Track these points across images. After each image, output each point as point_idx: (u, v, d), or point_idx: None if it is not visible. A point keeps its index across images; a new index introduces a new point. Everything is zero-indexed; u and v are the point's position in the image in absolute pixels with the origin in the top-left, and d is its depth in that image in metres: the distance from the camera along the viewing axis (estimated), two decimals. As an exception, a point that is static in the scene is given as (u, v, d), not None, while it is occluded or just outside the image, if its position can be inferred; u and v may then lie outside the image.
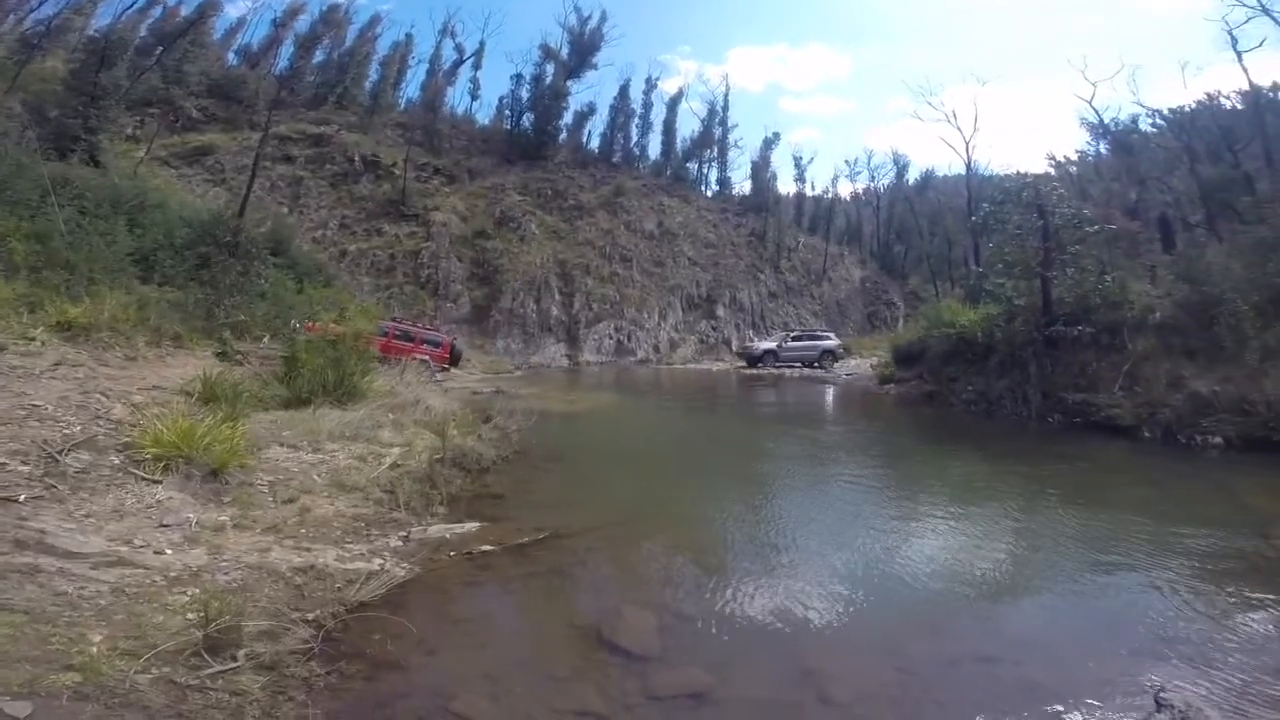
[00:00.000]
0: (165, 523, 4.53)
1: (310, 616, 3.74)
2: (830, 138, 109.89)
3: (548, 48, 44.53)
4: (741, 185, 50.91)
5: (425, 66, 45.00)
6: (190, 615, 3.32)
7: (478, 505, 6.64)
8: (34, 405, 6.07)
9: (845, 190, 56.82)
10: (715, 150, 50.12)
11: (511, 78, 45.38)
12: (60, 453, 4.99)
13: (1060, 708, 3.29)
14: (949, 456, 10.56)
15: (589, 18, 45.13)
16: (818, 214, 52.84)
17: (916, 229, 51.29)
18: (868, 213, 55.24)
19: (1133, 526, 6.27)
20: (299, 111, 35.28)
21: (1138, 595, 4.82)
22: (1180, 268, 16.23)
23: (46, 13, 28.09)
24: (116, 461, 5.16)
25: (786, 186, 54.25)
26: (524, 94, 43.78)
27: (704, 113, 50.16)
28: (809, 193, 54.30)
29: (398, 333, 18.05)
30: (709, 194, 49.17)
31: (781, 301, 40.56)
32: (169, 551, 4.09)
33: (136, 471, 5.03)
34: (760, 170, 49.51)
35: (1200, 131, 33.62)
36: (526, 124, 43.26)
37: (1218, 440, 10.55)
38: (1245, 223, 18.93)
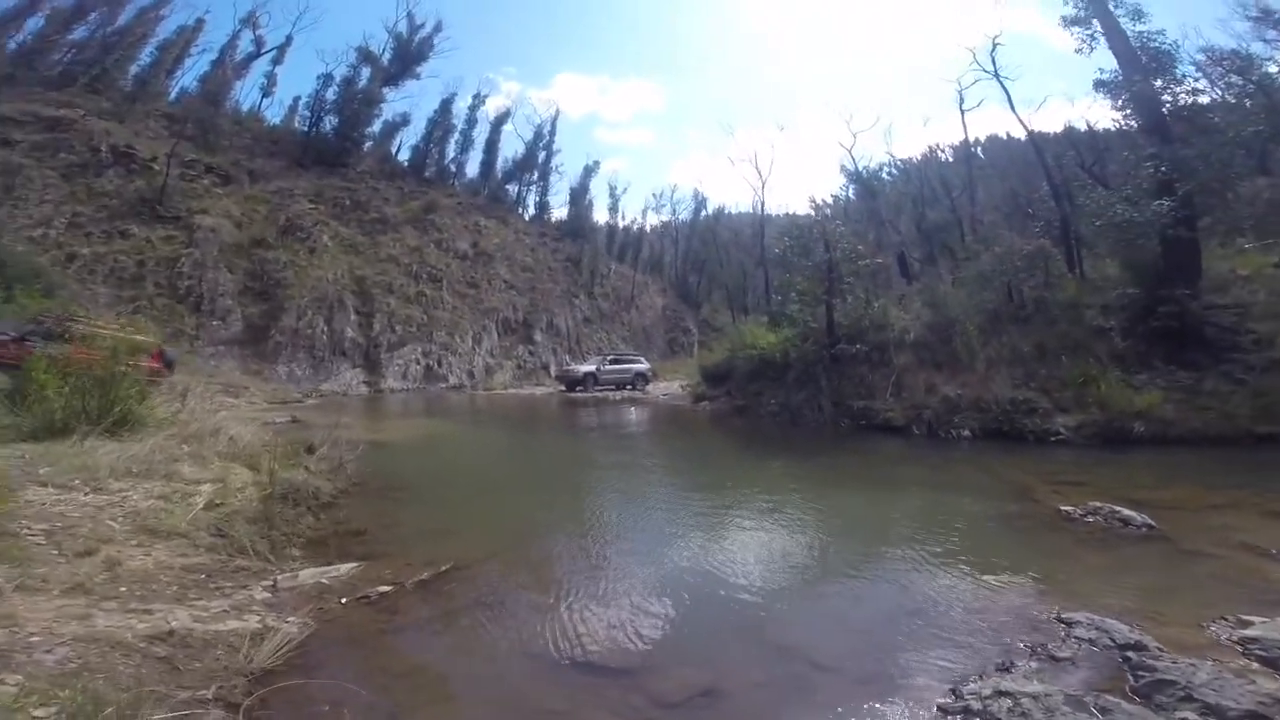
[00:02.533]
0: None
1: (206, 694, 2.95)
2: (639, 168, 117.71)
3: (367, 50, 41.71)
4: (559, 211, 51.77)
5: (212, 57, 39.21)
6: (38, 713, 2.43)
7: (340, 543, 5.72)
8: None
9: (651, 221, 60.59)
10: (537, 174, 50.49)
11: (319, 77, 41.88)
12: None
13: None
14: (766, 458, 11.76)
15: (421, 25, 43.33)
16: (627, 243, 55.52)
17: (715, 260, 56.31)
18: (668, 244, 59.35)
19: (924, 498, 7.92)
20: (33, 90, 28.00)
21: (950, 544, 5.80)
22: (925, 296, 19.98)
23: None
24: None
25: (601, 215, 56.50)
26: (329, 95, 40.25)
27: (529, 135, 50.48)
28: (620, 222, 56.90)
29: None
30: (527, 217, 49.03)
31: (595, 327, 41.54)
32: None
33: None
34: (579, 197, 50.93)
35: (924, 179, 42.12)
36: (328, 127, 39.62)
37: (966, 433, 13.08)
38: (961, 259, 23.96)
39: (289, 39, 42.92)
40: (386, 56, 42.46)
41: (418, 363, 29.53)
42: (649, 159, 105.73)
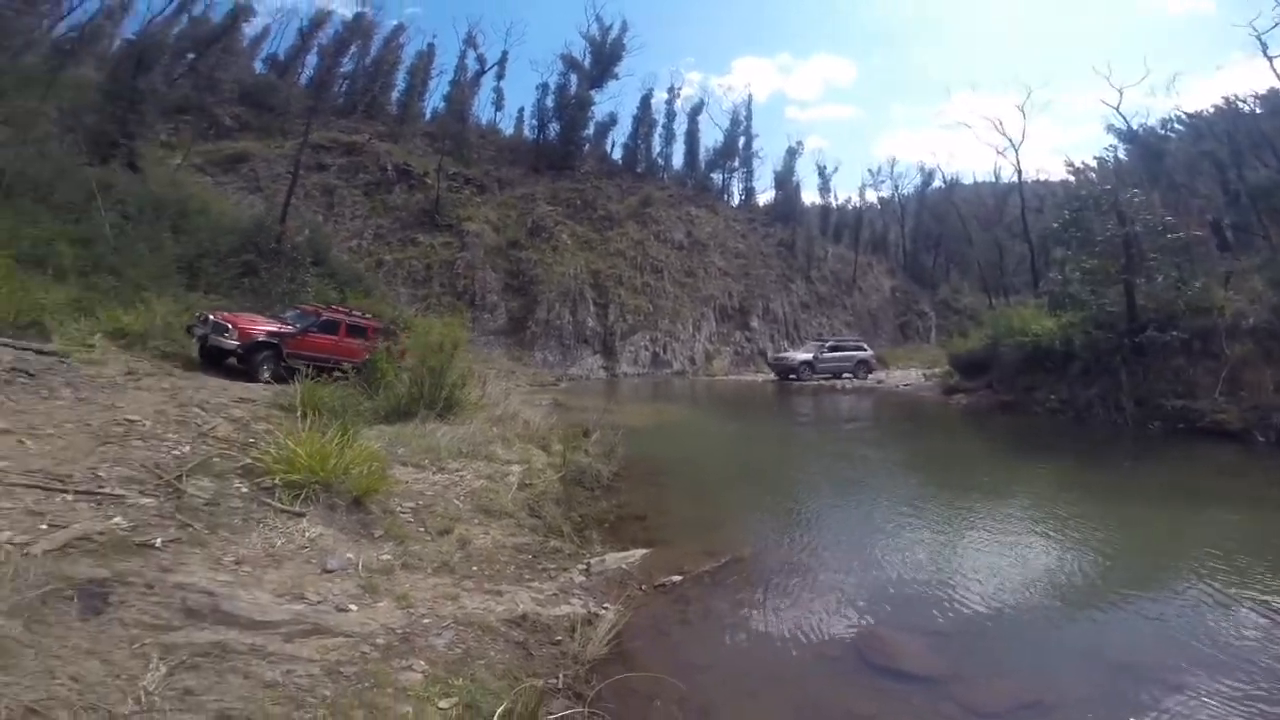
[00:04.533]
0: (328, 567, 3.81)
1: (556, 683, 3.17)
2: (842, 146, 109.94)
3: (570, 57, 44.44)
4: (765, 196, 50.66)
5: (448, 76, 44.74)
6: (443, 704, 2.69)
7: (626, 528, 6.05)
8: (129, 420, 5.40)
9: (869, 199, 56.12)
10: (738, 160, 49.86)
11: (537, 87, 45.41)
12: (178, 479, 4.28)
13: None
14: (1047, 463, 10.17)
15: (610, 27, 45.06)
16: (842, 223, 52.28)
17: (953, 236, 50.50)
18: (892, 221, 54.54)
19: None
20: (330, 120, 34.92)
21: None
22: (1270, 273, 15.64)
23: (77, 20, 27.86)
24: (244, 490, 4.43)
25: (810, 196, 53.95)
26: (548, 103, 43.63)
27: (726, 123, 49.90)
28: (833, 203, 53.82)
29: (351, 325, 12.54)
30: (734, 204, 48.82)
31: (814, 312, 39.80)
32: (353, 608, 3.38)
33: (271, 502, 4.31)
34: (785, 180, 49.15)
35: (1228, 136, 32.94)
36: (552, 133, 42.97)
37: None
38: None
39: (504, 54, 46.80)
40: (587, 61, 44.63)
41: (646, 349, 30.94)
42: (850, 135, 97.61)
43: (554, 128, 42.94)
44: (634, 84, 58.33)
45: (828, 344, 26.94)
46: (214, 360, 10.80)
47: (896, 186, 54.38)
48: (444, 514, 5.08)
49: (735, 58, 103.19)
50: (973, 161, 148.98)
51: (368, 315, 13.65)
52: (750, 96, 62.59)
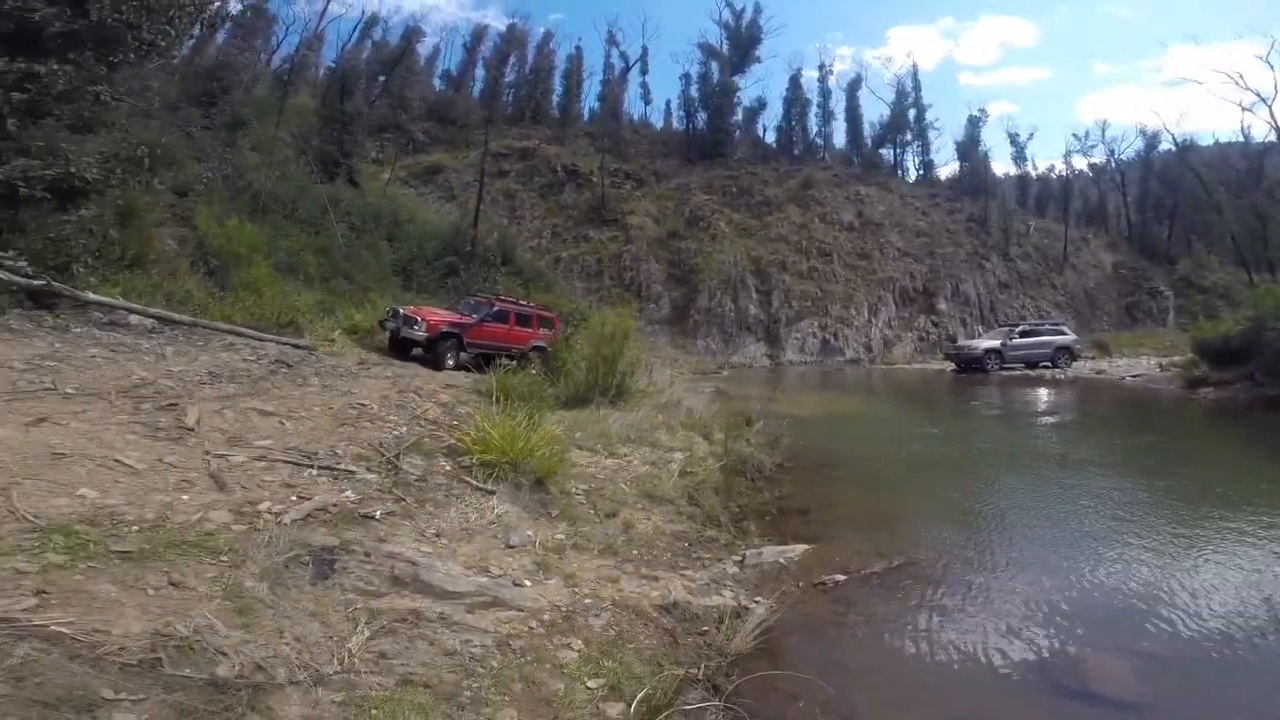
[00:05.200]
0: (510, 543, 4.18)
1: (696, 673, 3.16)
2: (1030, 111, 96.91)
3: (708, 46, 44.37)
4: (947, 169, 46.33)
5: (598, 76, 47.00)
6: (590, 684, 2.84)
7: (787, 521, 5.90)
8: (361, 404, 6.33)
9: (1078, 166, 48.43)
10: (910, 134, 46.39)
11: (680, 78, 46.66)
12: (396, 457, 4.92)
13: None
14: None
15: (742, 11, 44.33)
16: (1045, 194, 45.97)
17: (1192, 204, 42.03)
18: (1110, 190, 46.72)
19: None
20: (504, 128, 38.03)
21: None
22: None
23: (285, 52, 33.11)
24: (447, 467, 5.00)
25: (1002, 167, 48.22)
26: (693, 93, 43.92)
27: (891, 96, 46.68)
28: (1032, 172, 47.45)
29: (519, 314, 13.46)
30: (911, 180, 45.17)
31: (1015, 292, 35.47)
32: (527, 583, 3.68)
33: (469, 480, 4.82)
34: (969, 151, 44.40)
35: None
36: (700, 123, 43.13)
37: None
38: None
39: (644, 49, 47.89)
40: (725, 48, 44.21)
41: (814, 336, 29.84)
42: (1043, 98, 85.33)
43: (701, 117, 43.22)
44: (779, 65, 57.22)
45: (1018, 329, 23.33)
46: (402, 350, 11.84)
47: (1112, 151, 46.41)
48: (612, 497, 5.34)
49: (889, 28, 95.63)
50: (1210, 120, 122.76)
51: (533, 304, 14.67)
52: (915, 66, 57.11)
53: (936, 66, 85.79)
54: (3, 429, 3.72)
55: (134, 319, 8.32)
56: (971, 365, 22.04)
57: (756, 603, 4.03)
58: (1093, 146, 47.49)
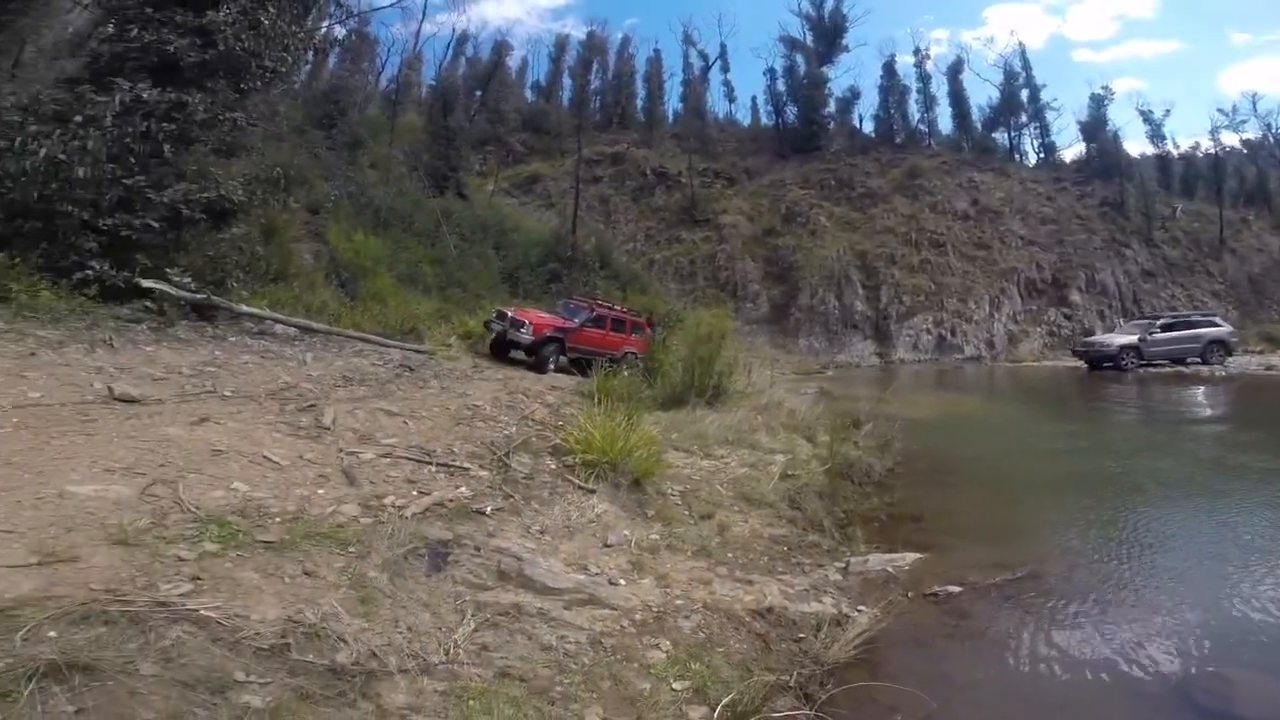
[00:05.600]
0: (608, 542, 4.27)
1: (787, 680, 3.06)
2: (1162, 87, 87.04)
3: (791, 39, 43.15)
4: (1071, 151, 42.82)
5: (679, 78, 46.90)
6: (676, 686, 2.82)
7: (898, 528, 5.61)
8: (475, 405, 6.68)
9: (1228, 142, 42.34)
10: (1025, 116, 42.94)
11: (764, 73, 45.09)
12: (506, 455, 5.13)
13: None
14: None
15: (822, 2, 42.83)
16: (1192, 173, 40.78)
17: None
18: (1270, 167, 40.70)
19: None
20: (594, 134, 38.77)
21: None
22: None
23: (389, 73, 35.44)
24: (552, 466, 5.18)
25: (1135, 146, 43.80)
26: (780, 87, 42.86)
27: (998, 77, 43.39)
28: (1173, 151, 42.22)
29: (615, 319, 13.49)
30: (1030, 164, 41.76)
31: (1163, 281, 31.67)
32: (622, 583, 3.74)
33: (571, 479, 4.96)
34: (1095, 131, 40.24)
35: None
36: (791, 117, 42.05)
37: None
38: None
39: (723, 47, 47.09)
40: (808, 39, 42.83)
41: (928, 332, 28.03)
42: (1177, 72, 75.88)
43: (791, 111, 41.95)
44: (869, 54, 54.97)
45: (1160, 321, 20.65)
46: (502, 353, 12.11)
47: (1269, 125, 40.34)
48: (707, 499, 5.31)
49: (985, 8, 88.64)
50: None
51: (627, 309, 14.79)
52: (1021, 46, 52.89)
53: (1045, 45, 79.40)
54: (173, 427, 4.26)
55: (279, 328, 9.29)
56: (1104, 363, 19.76)
57: (859, 611, 3.86)
58: (1243, 121, 41.26)
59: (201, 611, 2.31)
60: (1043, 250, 31.70)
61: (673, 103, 47.50)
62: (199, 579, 2.54)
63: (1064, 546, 5.11)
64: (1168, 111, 43.05)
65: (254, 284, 10.25)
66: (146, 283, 7.87)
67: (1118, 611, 3.92)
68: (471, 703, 2.36)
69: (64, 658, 1.83)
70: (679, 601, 3.63)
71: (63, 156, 7.39)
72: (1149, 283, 31.39)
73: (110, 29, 9.43)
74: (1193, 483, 7.03)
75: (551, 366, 11.66)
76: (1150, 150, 42.76)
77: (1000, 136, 43.28)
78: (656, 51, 48.00)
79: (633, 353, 12.65)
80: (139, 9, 8.90)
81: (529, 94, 47.34)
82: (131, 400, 4.82)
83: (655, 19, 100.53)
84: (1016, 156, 42.77)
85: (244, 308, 9.01)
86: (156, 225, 8.29)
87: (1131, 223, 33.99)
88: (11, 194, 7.34)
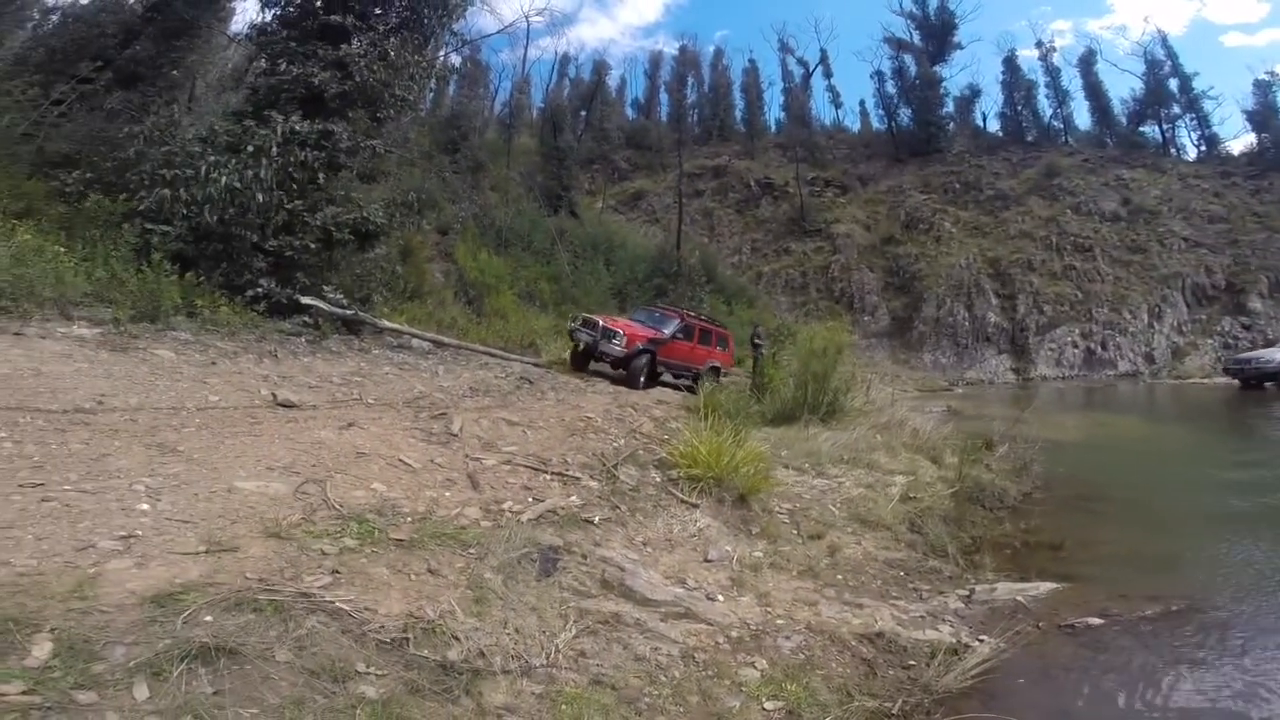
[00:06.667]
0: (709, 557, 4.23)
1: (890, 707, 2.90)
2: None
3: (897, 40, 41.46)
4: (1237, 142, 38.33)
5: (778, 86, 46.58)
6: (768, 705, 2.74)
7: (1032, 556, 5.14)
8: (587, 417, 6.88)
9: None
10: (1177, 106, 38.28)
11: (871, 76, 43.95)
12: (614, 467, 5.22)
13: None
14: None
15: (926, 0, 40.64)
16: None
17: None
18: None
19: None
20: (694, 149, 38.90)
21: None
22: None
23: (501, 98, 37.34)
24: (657, 479, 5.21)
25: None
26: (890, 90, 41.22)
27: (1139, 67, 39.41)
28: None
29: (701, 330, 12.64)
30: (1190, 158, 37.23)
31: (1372, 283, 26.72)
32: (720, 598, 3.69)
33: (675, 493, 4.97)
34: (1265, 119, 34.90)
35: None
36: (905, 119, 40.24)
37: None
38: None
39: (823, 52, 46.05)
40: (916, 38, 41.00)
41: (1075, 346, 25.32)
42: None
43: (905, 113, 40.20)
44: (985, 49, 50.72)
45: None
46: (583, 363, 11.32)
47: None
48: (818, 519, 5.12)
49: None
50: None
51: (715, 321, 13.98)
52: (1161, 32, 47.45)
53: (1188, 30, 73.00)
54: (324, 431, 4.73)
55: (415, 342, 10.12)
56: (1263, 381, 17.35)
57: (980, 641, 3.55)
58: None
59: (336, 604, 2.51)
60: (1212, 252, 27.78)
61: (774, 112, 47.37)
62: (338, 572, 2.78)
63: (1230, 579, 4.48)
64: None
65: (394, 301, 11.21)
66: (306, 300, 8.86)
67: (1262, 647, 3.41)
68: (564, 707, 2.42)
69: (215, 641, 2.05)
70: (779, 621, 3.55)
71: (239, 184, 8.41)
72: (1348, 285, 26.53)
73: (263, 64, 10.71)
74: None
75: (642, 380, 10.76)
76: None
77: (1150, 130, 38.96)
78: (751, 61, 48.59)
79: (717, 367, 12.03)
80: (285, 44, 10.03)
81: (630, 111, 48.75)
82: (291, 406, 5.43)
83: (747, 29, 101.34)
84: (1172, 151, 38.31)
85: (386, 323, 9.89)
86: (313, 246, 9.29)
87: (1320, 217, 29.02)
88: (198, 218, 8.39)
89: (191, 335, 7.10)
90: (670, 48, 59.97)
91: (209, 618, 2.21)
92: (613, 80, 48.77)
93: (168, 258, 7.87)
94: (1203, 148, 38.17)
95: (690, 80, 46.99)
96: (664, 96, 48.06)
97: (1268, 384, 17.33)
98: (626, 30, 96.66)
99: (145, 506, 3.03)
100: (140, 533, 2.77)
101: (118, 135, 9.80)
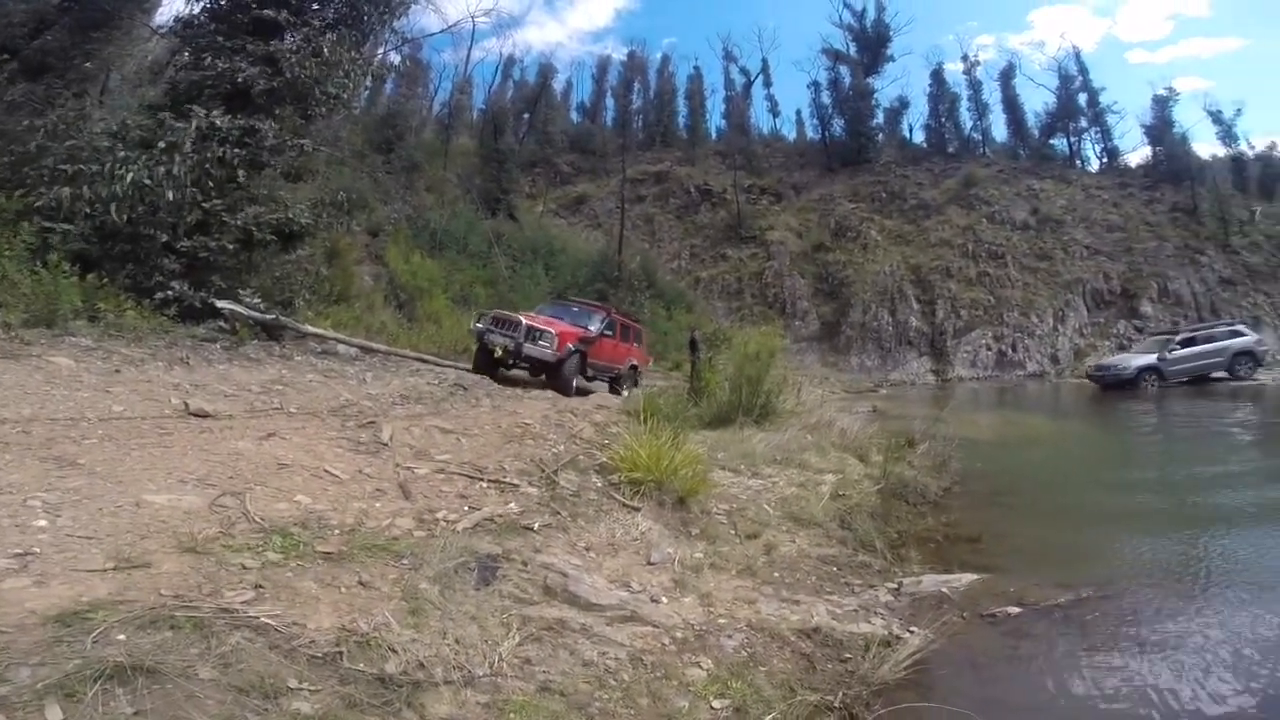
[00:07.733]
0: (652, 560, 4.25)
1: (832, 700, 2.99)
2: (1230, 86, 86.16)
3: (834, 51, 42.97)
4: (1136, 155, 40.90)
5: (720, 94, 47.35)
6: (715, 704, 2.80)
7: (954, 549, 5.41)
8: (525, 423, 6.79)
9: None
10: (1084, 120, 41.35)
11: (808, 86, 45.03)
12: (554, 473, 5.19)
13: None
14: None
15: (864, 12, 42.67)
16: (1270, 175, 38.27)
17: None
18: None
19: None
20: (637, 154, 39.28)
21: None
22: None
23: (440, 98, 36.76)
24: (599, 484, 5.19)
25: (1205, 148, 42.30)
26: (824, 100, 42.70)
27: (1053, 82, 42.34)
28: (1249, 151, 39.73)
29: (623, 325, 12.09)
30: (1092, 169, 40.36)
31: (1245, 289, 29.63)
32: (664, 600, 3.72)
33: (617, 497, 4.97)
34: (1161, 133, 38.21)
35: None
36: (838, 130, 41.69)
37: None
38: None
39: (764, 61, 47.25)
40: (852, 50, 42.59)
41: (988, 348, 27.00)
42: (1244, 70, 73.54)
43: (838, 123, 41.60)
44: (916, 62, 53.62)
45: (1178, 336, 19.11)
46: (491, 370, 10.02)
47: None
48: (754, 518, 5.24)
49: (1030, 11, 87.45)
50: None
51: (632, 315, 13.77)
52: (1075, 48, 51.90)
53: (1098, 46, 78.10)
54: (243, 441, 4.49)
55: (341, 348, 9.71)
56: (1121, 386, 18.30)
57: (911, 632, 3.72)
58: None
59: (261, 619, 2.40)
60: (1110, 260, 30.24)
61: (715, 120, 48.19)
62: (261, 587, 2.65)
63: (1135, 568, 4.86)
64: (1239, 111, 40.38)
65: (318, 305, 10.74)
66: (221, 304, 8.38)
67: (1192, 633, 3.71)
68: (512, 715, 2.39)
69: (130, 660, 1.93)
70: (722, 620, 3.60)
71: (149, 181, 7.90)
72: (1228, 291, 29.44)
73: (186, 57, 10.12)
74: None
75: (574, 385, 9.87)
76: (1222, 152, 40.46)
77: (1059, 142, 41.94)
78: (696, 69, 48.97)
79: (636, 366, 11.71)
80: (212, 38, 9.53)
81: (574, 115, 48.57)
82: (205, 415, 5.11)
83: (694, 37, 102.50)
84: (1078, 162, 41.29)
85: (309, 328, 9.45)
86: (230, 247, 8.80)
87: (1206, 228, 32.08)
88: (103, 216, 7.85)
89: (93, 341, 6.59)
90: (619, 53, 60.36)
91: (121, 636, 2.07)
92: (559, 84, 48.73)
93: (67, 258, 7.27)
94: (1104, 160, 41.43)
95: (636, 86, 47.46)
96: (610, 101, 48.38)
97: (1127, 389, 18.03)
98: (575, 35, 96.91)
99: (43, 523, 2.80)
100: (38, 550, 2.56)
101: (17, 128, 9.03)
